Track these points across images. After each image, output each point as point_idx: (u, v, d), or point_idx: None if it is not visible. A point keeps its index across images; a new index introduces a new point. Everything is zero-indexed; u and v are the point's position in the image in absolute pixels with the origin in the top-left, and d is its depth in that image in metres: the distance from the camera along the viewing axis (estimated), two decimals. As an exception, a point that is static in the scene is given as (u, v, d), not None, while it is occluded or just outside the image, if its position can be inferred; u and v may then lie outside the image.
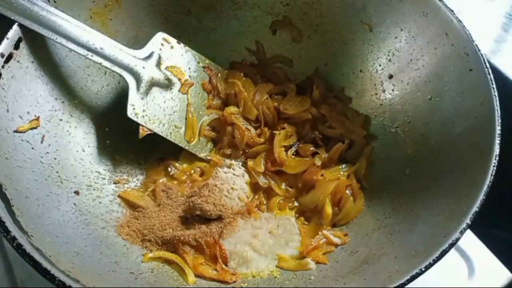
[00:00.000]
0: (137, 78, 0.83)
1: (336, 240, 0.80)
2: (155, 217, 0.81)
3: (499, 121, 0.68)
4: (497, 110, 0.69)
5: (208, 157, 0.92)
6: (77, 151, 0.82)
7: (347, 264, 0.74)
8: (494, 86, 0.70)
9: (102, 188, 0.83)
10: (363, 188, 0.87)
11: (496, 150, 0.65)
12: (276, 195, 0.87)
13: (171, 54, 0.89)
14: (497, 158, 0.64)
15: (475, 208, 0.61)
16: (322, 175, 0.86)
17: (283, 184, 0.89)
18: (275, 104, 0.95)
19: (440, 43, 0.80)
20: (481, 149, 0.67)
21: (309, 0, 0.95)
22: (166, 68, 0.88)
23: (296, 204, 0.88)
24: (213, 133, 0.95)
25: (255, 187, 0.89)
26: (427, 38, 0.82)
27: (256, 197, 0.87)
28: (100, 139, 0.86)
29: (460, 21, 0.77)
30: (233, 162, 0.91)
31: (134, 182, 0.88)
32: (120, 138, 0.88)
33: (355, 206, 0.84)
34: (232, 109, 0.94)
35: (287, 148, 0.91)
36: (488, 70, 0.72)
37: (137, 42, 0.90)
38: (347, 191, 0.86)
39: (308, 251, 0.78)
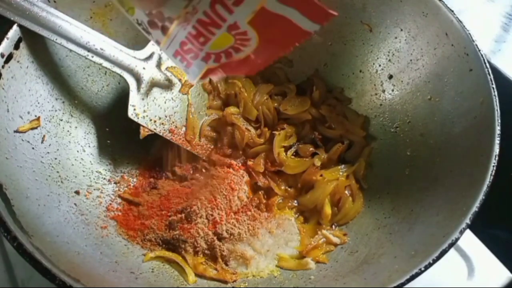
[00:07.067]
0: (138, 78, 0.83)
1: (335, 240, 0.80)
2: (155, 216, 0.81)
3: (499, 121, 0.68)
4: (497, 110, 0.69)
5: (208, 157, 0.92)
6: (78, 151, 0.82)
7: (347, 264, 0.74)
8: (494, 86, 0.70)
9: (103, 188, 0.83)
10: (362, 188, 0.87)
11: (496, 150, 0.65)
12: (276, 195, 0.88)
13: (171, 54, 0.89)
14: (497, 158, 0.64)
15: (474, 208, 0.61)
16: (321, 176, 0.86)
17: (283, 184, 0.90)
18: (275, 104, 0.95)
19: (440, 43, 0.80)
20: (481, 149, 0.67)
21: (309, 1, 0.95)
22: (166, 68, 0.88)
23: (295, 204, 0.88)
24: (213, 133, 0.95)
25: (254, 187, 0.89)
26: (427, 39, 0.82)
27: (256, 197, 0.87)
28: (101, 139, 0.86)
29: (460, 21, 0.77)
30: (233, 162, 0.91)
31: (135, 182, 0.88)
32: (121, 138, 0.88)
33: (354, 206, 0.85)
34: (232, 109, 0.94)
35: (286, 149, 0.91)
36: (488, 70, 0.72)
37: (137, 42, 0.90)
38: (346, 192, 0.86)
39: (308, 251, 0.79)
